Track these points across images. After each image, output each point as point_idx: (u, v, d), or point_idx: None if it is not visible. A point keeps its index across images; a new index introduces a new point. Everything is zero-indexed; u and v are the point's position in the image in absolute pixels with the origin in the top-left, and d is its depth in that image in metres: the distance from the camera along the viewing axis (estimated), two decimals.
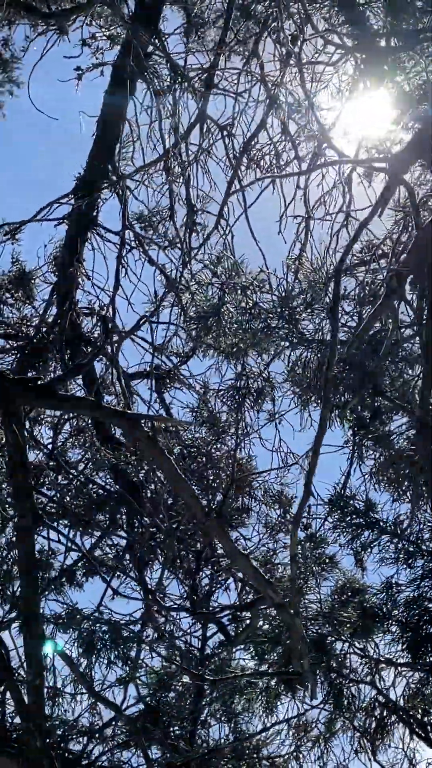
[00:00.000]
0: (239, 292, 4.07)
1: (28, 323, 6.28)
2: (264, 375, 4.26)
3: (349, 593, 5.37)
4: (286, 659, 4.48)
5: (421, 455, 4.27)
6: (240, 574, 4.93)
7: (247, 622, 4.49)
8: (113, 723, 5.37)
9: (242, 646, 4.71)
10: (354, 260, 4.96)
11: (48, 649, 4.65)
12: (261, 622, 4.50)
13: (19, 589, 4.01)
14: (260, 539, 6.15)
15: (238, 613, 4.73)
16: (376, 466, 5.44)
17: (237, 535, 5.27)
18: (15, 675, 4.72)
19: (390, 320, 3.70)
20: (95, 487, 6.03)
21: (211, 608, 4.97)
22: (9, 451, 3.46)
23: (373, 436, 5.40)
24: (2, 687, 4.66)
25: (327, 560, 5.70)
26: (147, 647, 5.40)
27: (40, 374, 5.70)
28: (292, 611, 3.46)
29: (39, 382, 3.47)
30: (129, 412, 3.65)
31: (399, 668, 5.06)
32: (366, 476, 5.50)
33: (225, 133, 4.59)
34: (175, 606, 4.78)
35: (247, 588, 5.00)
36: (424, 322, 3.60)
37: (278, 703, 4.89)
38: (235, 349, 4.06)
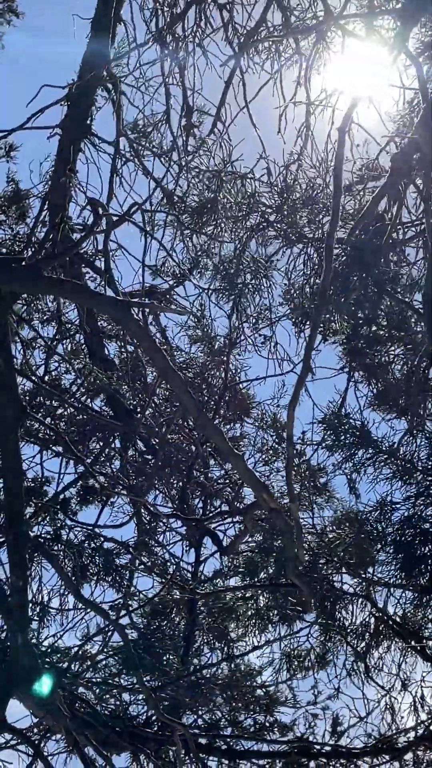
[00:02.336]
0: (236, 182, 3.86)
1: (21, 241, 6.10)
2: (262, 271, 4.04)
3: (347, 524, 5.24)
4: (278, 571, 4.34)
5: None
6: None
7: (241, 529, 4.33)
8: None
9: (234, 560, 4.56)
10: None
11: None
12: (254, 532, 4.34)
13: (3, 491, 3.84)
14: (254, 465, 6.07)
15: (231, 518, 4.58)
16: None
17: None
18: None
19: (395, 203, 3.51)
20: (90, 414, 5.90)
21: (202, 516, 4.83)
22: None
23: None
24: None
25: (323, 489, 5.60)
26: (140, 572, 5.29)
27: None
28: (288, 513, 3.28)
29: (23, 263, 3.27)
30: (120, 298, 3.46)
31: (392, 589, 4.96)
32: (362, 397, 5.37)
33: (225, 13, 4.36)
34: (166, 514, 4.63)
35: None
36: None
37: (269, 621, 4.75)
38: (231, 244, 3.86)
